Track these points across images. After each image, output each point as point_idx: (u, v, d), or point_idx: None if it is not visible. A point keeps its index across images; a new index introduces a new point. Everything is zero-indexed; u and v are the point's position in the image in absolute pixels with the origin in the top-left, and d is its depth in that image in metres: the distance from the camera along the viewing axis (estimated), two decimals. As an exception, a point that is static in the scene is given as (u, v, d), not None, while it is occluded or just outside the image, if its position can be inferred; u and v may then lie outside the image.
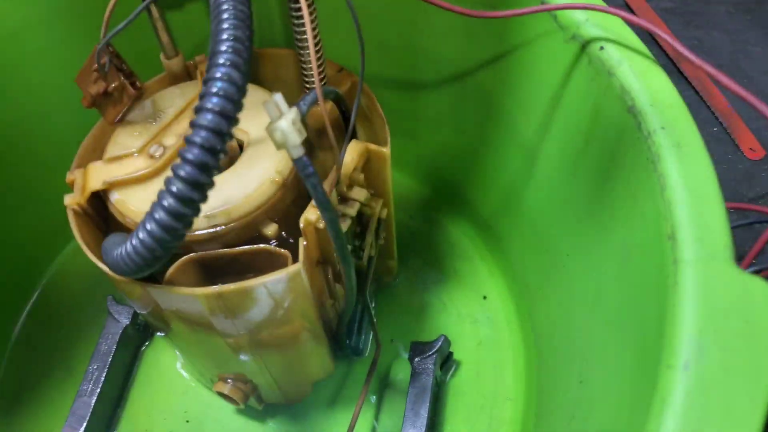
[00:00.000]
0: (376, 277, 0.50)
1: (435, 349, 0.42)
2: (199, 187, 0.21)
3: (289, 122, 0.24)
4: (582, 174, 0.34)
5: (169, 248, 0.22)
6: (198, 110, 0.21)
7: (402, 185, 0.55)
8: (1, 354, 0.48)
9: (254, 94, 0.38)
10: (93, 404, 0.42)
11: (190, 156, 0.20)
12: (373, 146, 0.35)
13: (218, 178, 0.34)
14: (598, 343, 0.31)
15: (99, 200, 0.35)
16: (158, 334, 0.48)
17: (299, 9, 0.32)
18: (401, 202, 0.55)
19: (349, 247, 0.34)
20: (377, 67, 0.48)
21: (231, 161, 0.35)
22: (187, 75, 0.39)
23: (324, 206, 0.26)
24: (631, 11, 0.72)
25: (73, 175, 0.35)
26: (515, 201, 0.44)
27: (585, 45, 0.31)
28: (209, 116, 0.21)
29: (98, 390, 0.43)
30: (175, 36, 0.37)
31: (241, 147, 0.35)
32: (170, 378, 0.47)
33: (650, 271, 0.25)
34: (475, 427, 0.43)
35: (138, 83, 0.35)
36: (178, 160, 0.21)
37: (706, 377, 0.20)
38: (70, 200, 0.34)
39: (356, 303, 0.44)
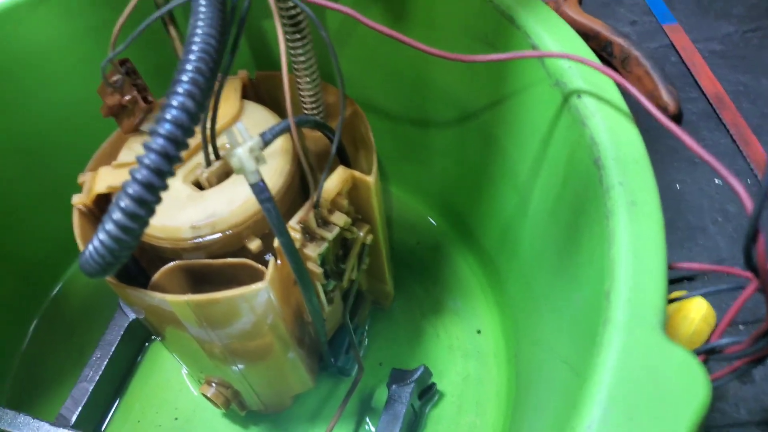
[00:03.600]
0: (373, 301, 0.51)
1: (413, 379, 0.42)
2: (144, 204, 0.22)
3: (246, 150, 0.26)
4: (559, 220, 0.34)
5: (121, 255, 0.24)
6: (151, 133, 0.23)
7: (412, 210, 0.56)
8: (22, 336, 0.52)
9: (258, 115, 0.40)
10: (91, 390, 0.45)
11: (139, 176, 0.22)
12: (358, 174, 0.36)
13: (208, 192, 0.36)
14: (546, 397, 0.31)
15: (107, 203, 0.38)
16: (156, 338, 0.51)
17: (295, 39, 0.34)
18: (411, 227, 0.56)
19: (325, 269, 0.36)
20: (390, 97, 0.49)
21: (226, 176, 0.37)
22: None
23: (278, 230, 0.27)
24: (677, 52, 0.70)
25: (84, 177, 0.38)
26: (512, 238, 0.44)
27: (566, 92, 0.31)
28: (160, 140, 0.22)
29: (97, 377, 0.46)
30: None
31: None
32: (168, 375, 0.49)
33: (590, 330, 0.25)
34: (448, 461, 0.43)
35: (150, 97, 0.38)
36: (129, 178, 0.23)
37: (604, 443, 0.20)
38: (77, 200, 0.37)
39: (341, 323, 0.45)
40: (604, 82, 0.30)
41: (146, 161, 0.22)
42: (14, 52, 0.43)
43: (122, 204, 0.23)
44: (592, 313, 0.25)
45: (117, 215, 0.23)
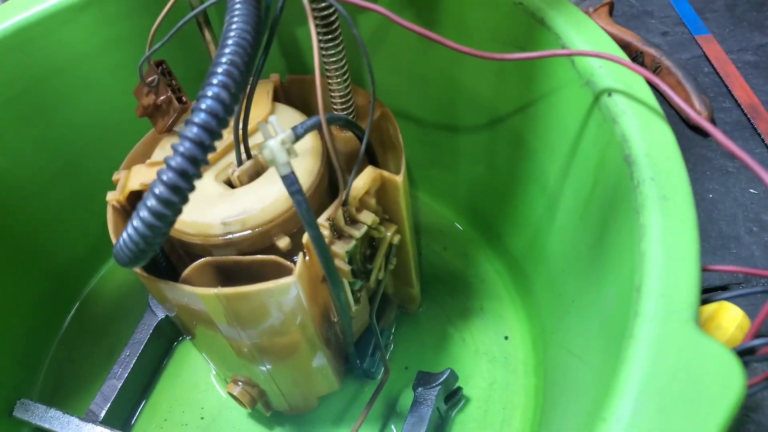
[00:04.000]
0: (400, 305, 0.51)
1: (439, 382, 0.42)
2: (178, 191, 0.23)
3: (278, 142, 0.26)
4: (588, 220, 0.33)
5: (153, 242, 0.24)
6: (186, 122, 0.23)
7: (439, 216, 0.56)
8: (54, 334, 0.53)
9: (289, 117, 0.40)
10: (119, 387, 0.46)
11: (173, 163, 0.23)
12: (386, 173, 0.37)
13: (239, 191, 0.36)
14: (575, 403, 0.30)
15: (140, 201, 0.39)
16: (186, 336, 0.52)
17: (327, 39, 0.35)
18: (436, 233, 0.56)
19: (353, 268, 0.36)
20: (419, 103, 0.49)
21: (257, 175, 0.38)
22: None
23: (307, 222, 0.28)
24: (709, 62, 0.69)
25: (119, 175, 0.39)
26: (540, 242, 0.44)
27: (597, 91, 0.31)
28: (194, 129, 0.23)
29: (126, 374, 0.46)
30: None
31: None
32: (195, 376, 0.50)
33: (620, 324, 0.25)
34: (473, 467, 0.43)
35: (184, 98, 0.39)
36: (164, 167, 0.23)
37: (635, 435, 0.19)
38: (111, 196, 0.38)
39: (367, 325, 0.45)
40: (635, 80, 0.30)
41: (180, 149, 0.23)
42: (53, 57, 0.45)
43: (156, 191, 0.23)
44: (622, 312, 0.25)
45: (151, 202, 0.23)
